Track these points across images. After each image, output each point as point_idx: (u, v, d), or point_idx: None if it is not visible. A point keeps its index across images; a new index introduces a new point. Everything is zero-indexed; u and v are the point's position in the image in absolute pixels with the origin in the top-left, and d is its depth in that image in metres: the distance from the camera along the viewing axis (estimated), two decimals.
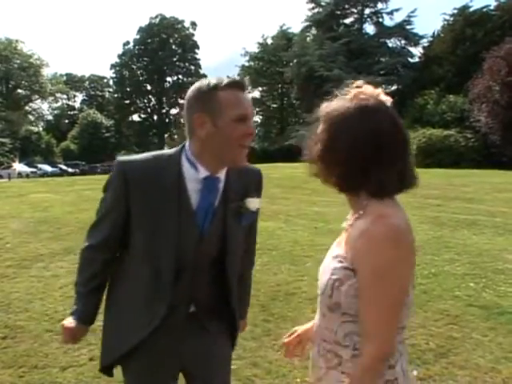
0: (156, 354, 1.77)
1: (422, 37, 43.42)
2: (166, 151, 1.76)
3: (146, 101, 71.01)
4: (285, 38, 55.27)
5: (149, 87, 70.20)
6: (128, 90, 69.29)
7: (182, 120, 1.62)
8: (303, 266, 6.05)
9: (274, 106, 59.81)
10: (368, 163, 1.32)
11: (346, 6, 46.22)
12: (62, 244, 7.29)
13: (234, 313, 1.88)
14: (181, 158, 1.70)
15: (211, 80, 1.64)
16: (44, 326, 4.26)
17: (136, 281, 1.75)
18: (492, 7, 37.00)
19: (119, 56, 69.49)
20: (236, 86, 1.62)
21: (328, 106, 1.41)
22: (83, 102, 76.29)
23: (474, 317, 4.42)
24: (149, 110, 70.96)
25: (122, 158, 1.73)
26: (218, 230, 1.74)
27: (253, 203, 1.77)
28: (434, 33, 42.40)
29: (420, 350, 3.74)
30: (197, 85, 1.66)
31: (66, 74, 74.98)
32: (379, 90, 1.40)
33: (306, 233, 8.15)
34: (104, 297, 1.89)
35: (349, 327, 1.35)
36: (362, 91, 1.38)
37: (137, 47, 68.70)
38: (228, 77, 1.66)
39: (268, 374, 3.44)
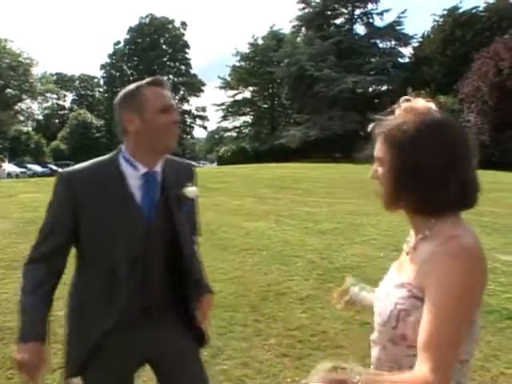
0: (117, 351, 1.77)
1: (412, 37, 43.84)
2: (105, 156, 1.87)
3: None
4: (275, 38, 55.20)
5: None
6: (118, 89, 67.54)
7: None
8: (294, 265, 6.03)
9: (265, 106, 59.64)
10: (443, 178, 1.21)
11: (336, 6, 46.43)
12: None
13: (192, 313, 1.90)
14: (119, 159, 1.81)
15: (134, 84, 1.81)
16: None
17: (93, 285, 1.78)
18: (481, 8, 37.53)
19: (109, 56, 69.03)
20: (155, 83, 1.79)
21: (387, 125, 1.28)
22: (73, 101, 75.58)
23: None
24: None
25: (63, 170, 1.85)
26: (166, 220, 1.81)
27: (191, 192, 1.87)
28: (423, 33, 42.92)
29: None
30: (123, 90, 1.83)
31: (56, 74, 74.28)
32: (431, 103, 1.29)
33: (297, 233, 8.17)
34: (63, 312, 1.89)
35: (415, 361, 1.18)
36: (414, 106, 1.27)
37: (127, 47, 68.31)
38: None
39: (258, 373, 3.44)
